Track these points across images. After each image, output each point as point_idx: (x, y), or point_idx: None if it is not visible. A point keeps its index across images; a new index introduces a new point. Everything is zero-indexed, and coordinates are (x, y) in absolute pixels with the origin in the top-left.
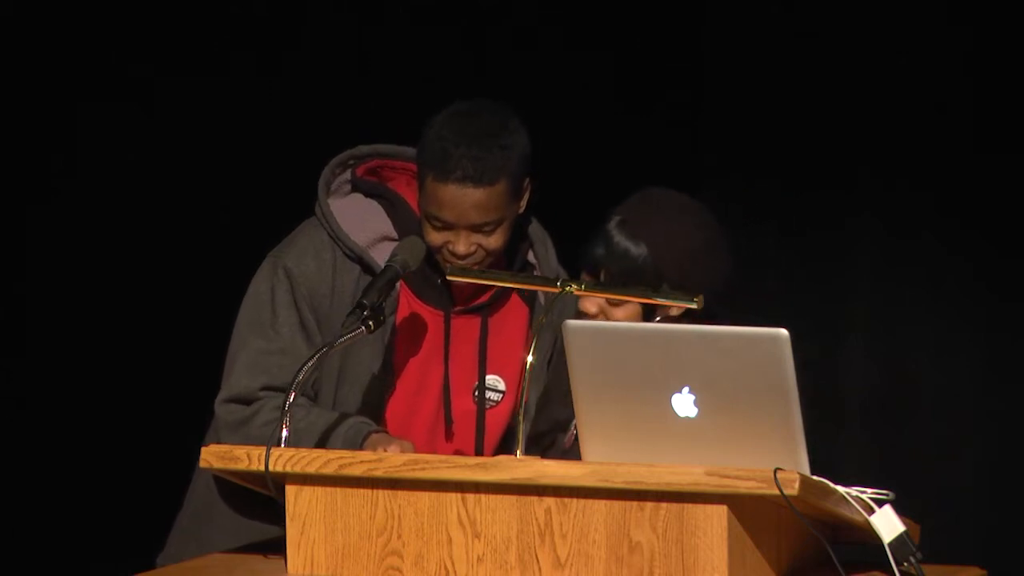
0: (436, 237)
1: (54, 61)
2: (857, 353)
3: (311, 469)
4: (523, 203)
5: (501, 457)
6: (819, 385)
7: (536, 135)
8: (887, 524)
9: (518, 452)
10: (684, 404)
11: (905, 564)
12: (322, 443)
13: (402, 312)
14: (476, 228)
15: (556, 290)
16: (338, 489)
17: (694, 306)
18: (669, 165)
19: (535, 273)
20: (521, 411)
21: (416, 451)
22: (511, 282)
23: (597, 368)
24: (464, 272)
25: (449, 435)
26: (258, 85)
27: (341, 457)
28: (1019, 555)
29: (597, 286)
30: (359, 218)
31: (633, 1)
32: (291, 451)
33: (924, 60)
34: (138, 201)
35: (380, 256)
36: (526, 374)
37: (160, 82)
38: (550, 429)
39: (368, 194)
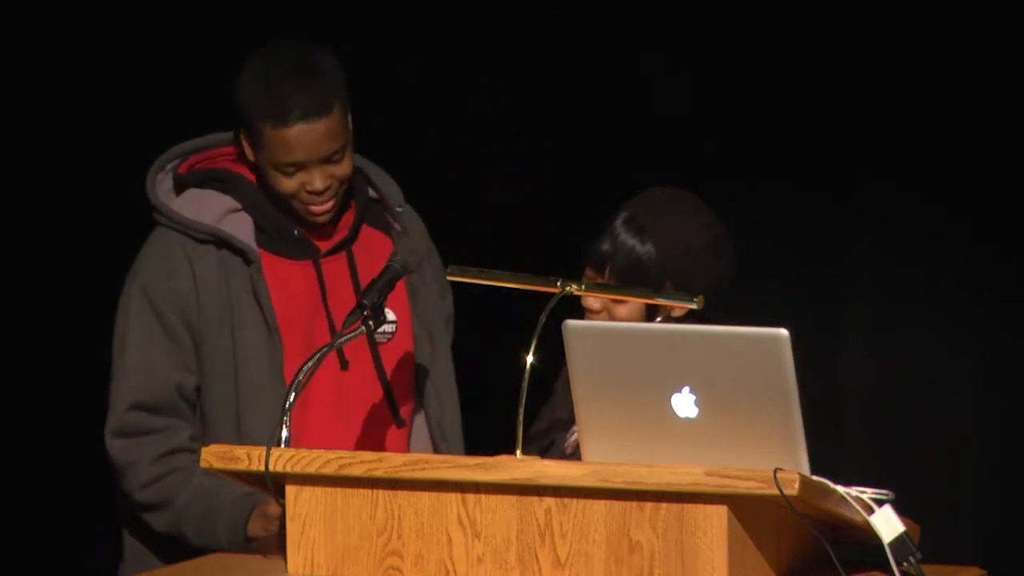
0: (290, 183)
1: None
2: (857, 353)
3: (311, 469)
4: (349, 125)
5: (501, 457)
6: (819, 385)
7: (537, 134)
8: (887, 524)
9: (518, 452)
10: (684, 404)
11: (905, 564)
12: (203, 525)
13: (270, 276)
14: (326, 159)
15: (556, 290)
16: (338, 489)
17: (695, 306)
18: (669, 164)
19: (386, 206)
20: (520, 411)
21: (313, 408)
22: (511, 282)
23: (597, 368)
24: (464, 272)
25: (347, 377)
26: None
27: (341, 457)
28: (1019, 555)
29: (598, 287)
30: (195, 205)
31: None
32: (291, 451)
33: (925, 60)
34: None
35: (233, 227)
36: (525, 374)
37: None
38: (550, 428)
39: (199, 185)
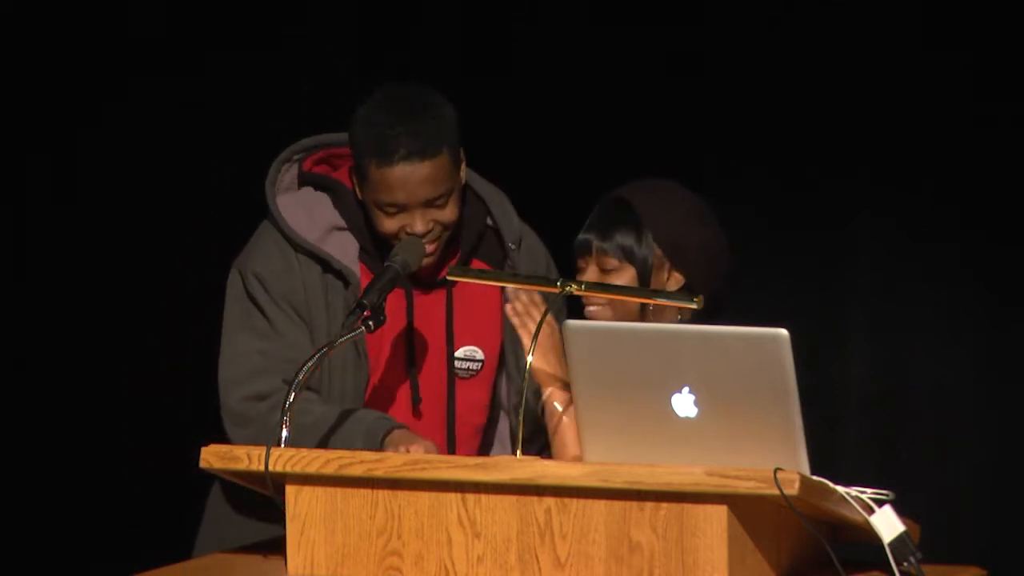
0: (391, 224)
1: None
2: (857, 353)
3: (311, 469)
4: (463, 173)
5: (501, 457)
6: (819, 385)
7: (538, 135)
8: (887, 524)
9: (518, 452)
10: (684, 404)
11: (905, 564)
12: (336, 440)
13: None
14: (429, 204)
15: (556, 290)
16: (338, 489)
17: (694, 306)
18: (669, 165)
19: (501, 240)
20: (521, 411)
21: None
22: (511, 282)
23: (597, 368)
24: (465, 272)
25: (417, 412)
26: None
27: (341, 457)
28: (1019, 555)
29: (598, 286)
30: (307, 212)
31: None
32: (291, 451)
33: (925, 59)
34: (133, 198)
35: (333, 248)
36: (526, 374)
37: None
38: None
39: (316, 187)
